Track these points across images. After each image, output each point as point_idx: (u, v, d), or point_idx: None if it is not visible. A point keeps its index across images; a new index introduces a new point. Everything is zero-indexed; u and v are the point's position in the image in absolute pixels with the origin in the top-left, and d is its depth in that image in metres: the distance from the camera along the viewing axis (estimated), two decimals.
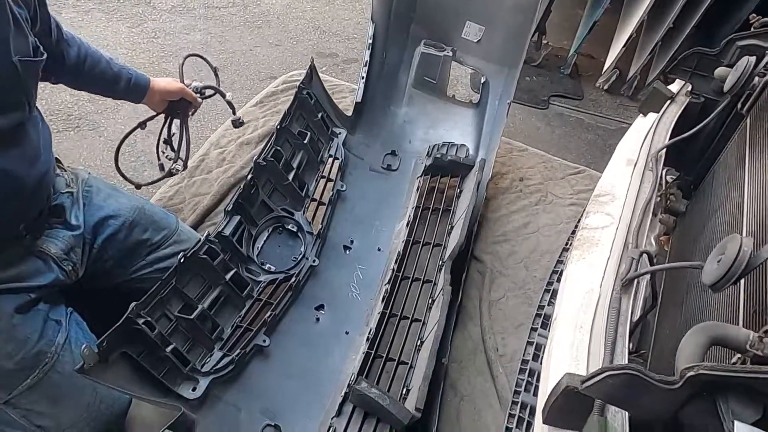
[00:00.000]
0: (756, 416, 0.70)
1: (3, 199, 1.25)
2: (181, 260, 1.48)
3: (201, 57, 1.91)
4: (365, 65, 2.30)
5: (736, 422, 0.68)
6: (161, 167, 1.90)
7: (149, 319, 1.35)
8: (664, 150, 1.39)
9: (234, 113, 1.96)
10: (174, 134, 1.89)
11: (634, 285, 1.07)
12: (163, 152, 1.91)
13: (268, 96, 2.64)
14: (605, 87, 3.07)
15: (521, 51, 2.23)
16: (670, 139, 1.43)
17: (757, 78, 1.35)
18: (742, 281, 1.01)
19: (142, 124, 1.86)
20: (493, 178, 2.41)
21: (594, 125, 2.83)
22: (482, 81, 2.36)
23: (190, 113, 1.88)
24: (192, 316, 1.47)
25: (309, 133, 2.05)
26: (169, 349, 1.38)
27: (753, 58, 1.34)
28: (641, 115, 1.65)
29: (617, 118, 2.83)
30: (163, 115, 1.85)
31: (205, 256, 1.56)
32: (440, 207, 2.01)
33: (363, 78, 2.30)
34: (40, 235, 1.40)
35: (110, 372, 1.27)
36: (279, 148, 1.90)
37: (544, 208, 2.29)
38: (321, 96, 2.17)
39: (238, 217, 1.74)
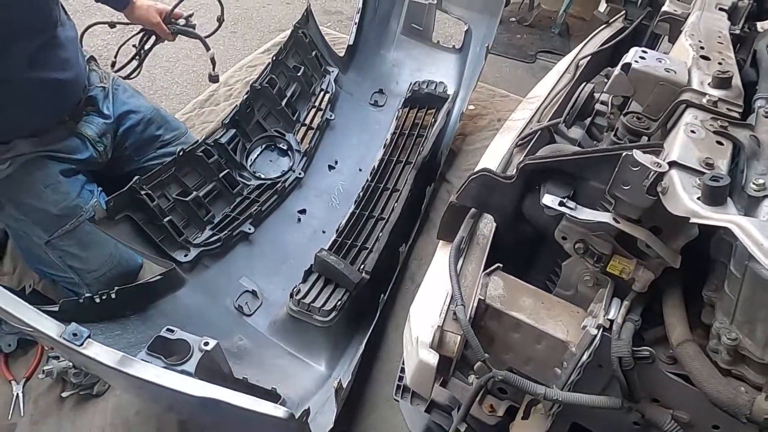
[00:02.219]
0: (565, 194, 0.93)
1: (49, 99, 1.61)
2: (180, 153, 1.77)
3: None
4: (358, 12, 2.55)
5: (545, 195, 0.91)
6: (112, 65, 2.05)
7: (150, 192, 1.65)
8: (586, 59, 1.61)
9: (213, 69, 2.08)
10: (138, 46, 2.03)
11: (528, 148, 1.29)
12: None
13: (275, 45, 2.91)
14: None
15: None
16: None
17: None
18: None
19: (112, 24, 2.00)
20: (473, 118, 2.64)
21: None
22: (465, 29, 2.58)
23: (161, 41, 2.03)
24: (187, 199, 1.76)
25: (303, 68, 2.31)
26: (166, 220, 1.67)
27: None
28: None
29: None
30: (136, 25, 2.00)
31: (201, 155, 1.84)
32: (415, 133, 2.25)
33: (356, 23, 2.55)
34: (80, 120, 1.73)
35: (117, 228, 1.57)
36: (274, 76, 2.17)
37: None
38: (316, 36, 2.43)
39: (234, 130, 2.02)
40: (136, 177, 1.61)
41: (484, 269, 1.02)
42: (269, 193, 2.00)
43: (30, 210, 1.62)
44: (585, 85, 1.19)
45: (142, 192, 1.62)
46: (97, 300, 1.35)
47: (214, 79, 2.16)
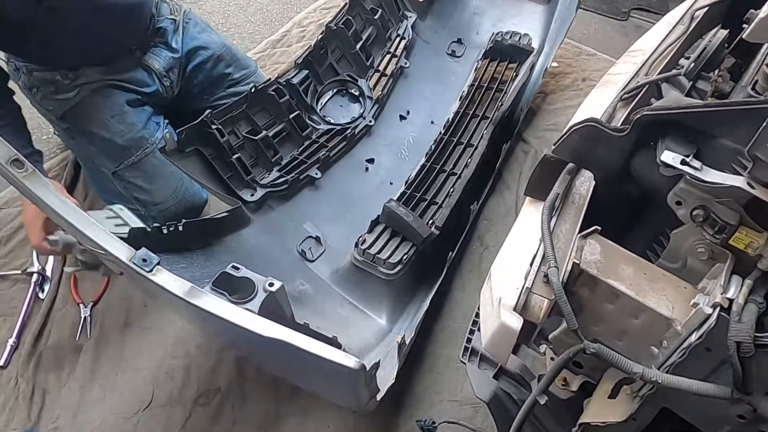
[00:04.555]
0: (688, 152, 0.81)
1: (114, 25, 1.58)
2: (252, 90, 1.72)
3: None
4: None
5: (665, 151, 0.80)
6: None
7: (221, 128, 1.61)
8: (703, 11, 1.43)
9: None
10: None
11: (634, 102, 1.16)
12: None
13: None
14: None
15: None
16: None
17: None
18: None
19: None
20: (556, 76, 2.46)
21: None
22: None
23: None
24: (256, 138, 1.72)
25: (380, 11, 2.21)
26: (234, 157, 1.64)
27: None
28: None
29: None
30: None
31: (273, 93, 1.79)
32: (494, 87, 2.12)
33: None
34: (147, 51, 1.70)
35: (186, 161, 1.55)
36: (350, 17, 2.08)
37: None
38: None
39: (306, 71, 1.95)
40: (208, 111, 1.57)
41: (580, 231, 0.92)
42: (338, 139, 1.94)
43: (97, 139, 1.62)
44: (717, 31, 1.04)
45: (213, 126, 1.59)
46: (165, 231, 1.33)
47: None
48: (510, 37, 2.22)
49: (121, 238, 1.23)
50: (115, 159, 1.62)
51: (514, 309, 0.88)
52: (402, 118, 2.15)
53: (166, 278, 0.82)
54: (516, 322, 0.87)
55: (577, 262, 0.87)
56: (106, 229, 0.84)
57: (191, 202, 1.73)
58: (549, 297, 0.85)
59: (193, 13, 1.91)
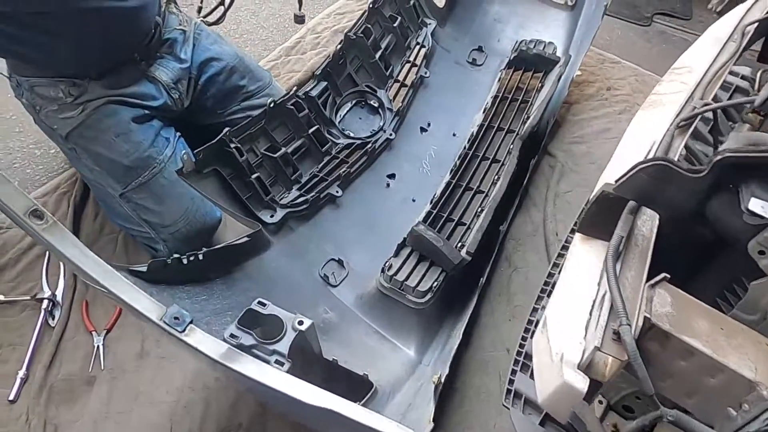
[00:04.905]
0: None
1: (105, 30, 1.46)
2: (271, 105, 1.64)
3: None
4: None
5: (752, 198, 0.72)
6: (198, 10, 1.96)
7: (239, 146, 1.53)
8: (755, 26, 1.35)
9: (300, 8, 1.97)
10: None
11: (690, 130, 1.08)
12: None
13: None
14: (718, 9, 2.86)
15: None
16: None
17: None
18: None
19: None
20: (580, 85, 2.39)
21: None
22: None
23: None
24: (276, 155, 1.64)
25: (399, 18, 2.12)
26: (253, 176, 1.56)
27: None
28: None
29: None
30: None
31: (291, 107, 1.71)
32: (519, 98, 2.04)
33: None
34: (152, 62, 1.61)
35: (204, 183, 1.47)
36: (369, 26, 1.99)
37: (628, 118, 2.23)
38: None
39: (325, 83, 1.87)
40: (227, 129, 1.49)
41: (647, 279, 0.85)
42: (358, 154, 1.86)
43: (102, 160, 1.53)
44: None
45: (232, 145, 1.51)
46: (185, 261, 1.25)
47: (299, 20, 2.02)
48: (534, 46, 2.13)
49: (140, 271, 1.17)
50: (122, 180, 1.54)
51: (578, 367, 0.81)
52: (423, 130, 2.07)
53: (200, 338, 0.75)
54: (582, 383, 0.79)
55: (648, 316, 0.79)
56: (134, 285, 0.76)
57: (204, 222, 1.64)
58: (620, 357, 0.78)
59: (205, 26, 1.82)
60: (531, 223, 1.88)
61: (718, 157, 0.76)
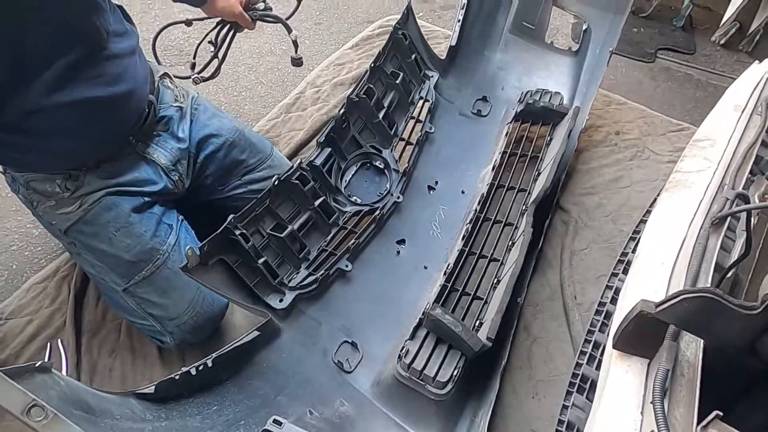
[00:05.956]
0: None
1: (95, 119, 1.39)
2: (275, 182, 1.58)
3: None
4: (462, 8, 2.26)
5: None
6: (192, 66, 1.92)
7: (245, 231, 1.47)
8: None
9: (296, 51, 1.91)
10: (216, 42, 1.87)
11: (725, 226, 1.03)
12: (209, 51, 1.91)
13: (363, 39, 2.68)
14: (722, 42, 2.82)
15: None
16: None
17: None
18: None
19: (189, 22, 1.85)
20: (587, 130, 2.33)
21: (704, 82, 2.63)
22: (584, 28, 2.26)
23: (241, 31, 1.87)
24: (282, 235, 1.58)
25: (401, 74, 2.07)
26: (260, 261, 1.50)
27: None
28: (756, 62, 1.54)
29: (732, 75, 2.61)
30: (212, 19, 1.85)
31: (296, 182, 1.65)
32: (528, 153, 1.98)
33: (459, 21, 2.27)
34: (149, 143, 1.55)
35: (209, 275, 1.40)
36: (371, 86, 1.94)
37: (639, 164, 2.20)
38: (416, 37, 2.18)
39: (329, 149, 1.82)
40: (231, 216, 1.43)
41: (698, 418, 0.78)
42: (367, 221, 1.81)
43: (103, 256, 1.47)
44: None
45: (237, 232, 1.45)
46: (193, 372, 1.19)
47: (297, 62, 1.96)
48: (540, 98, 2.08)
49: (148, 393, 1.11)
50: (125, 275, 1.47)
51: None
52: (430, 188, 2.01)
53: None
54: None
55: None
56: None
57: (210, 311, 1.57)
58: None
59: (201, 98, 1.77)
60: (548, 286, 1.82)
61: None
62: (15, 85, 1.21)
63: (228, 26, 1.86)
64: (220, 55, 1.91)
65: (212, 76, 1.94)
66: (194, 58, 1.93)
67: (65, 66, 1.25)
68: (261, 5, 1.84)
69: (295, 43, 1.89)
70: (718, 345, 0.82)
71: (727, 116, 1.34)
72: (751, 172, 1.36)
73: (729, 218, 1.03)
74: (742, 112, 1.32)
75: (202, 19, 1.86)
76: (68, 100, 1.28)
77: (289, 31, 1.85)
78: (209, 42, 1.88)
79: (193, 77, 1.91)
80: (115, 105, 1.42)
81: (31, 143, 1.31)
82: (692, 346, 0.87)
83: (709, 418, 0.78)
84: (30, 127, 1.27)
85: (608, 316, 1.42)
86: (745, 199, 1.07)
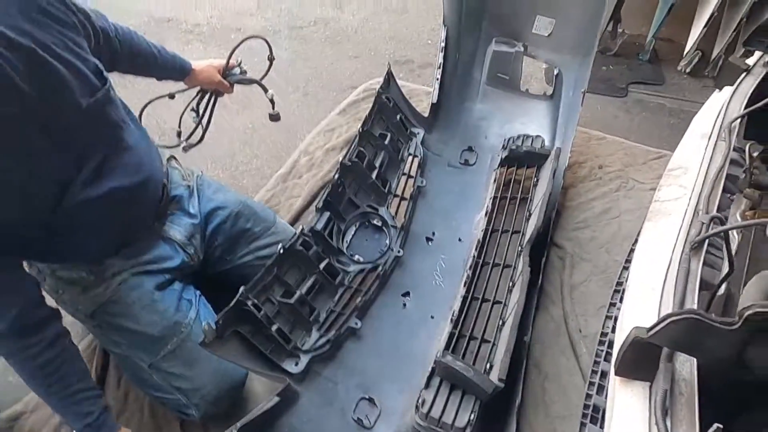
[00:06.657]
0: None
1: (123, 208, 1.48)
2: (281, 251, 1.66)
3: (264, 39, 1.93)
4: (439, 67, 2.41)
5: None
6: (178, 135, 2.01)
7: (256, 301, 1.54)
8: (739, 121, 1.40)
9: (273, 108, 2.01)
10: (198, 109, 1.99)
11: (704, 249, 1.10)
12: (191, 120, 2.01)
13: (350, 104, 2.83)
14: (687, 70, 2.98)
15: (594, 39, 2.23)
16: (744, 109, 1.43)
17: None
18: None
19: (172, 95, 1.92)
20: (572, 167, 2.44)
21: (677, 109, 2.76)
22: (555, 73, 2.40)
23: (221, 95, 1.99)
24: (292, 301, 1.64)
25: (389, 134, 2.19)
26: (274, 328, 1.55)
27: None
28: (717, 90, 1.65)
29: (701, 101, 2.72)
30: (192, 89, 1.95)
31: (301, 248, 1.73)
32: (518, 196, 2.08)
33: (437, 79, 2.41)
34: (165, 221, 1.65)
35: (226, 347, 1.46)
36: (362, 149, 2.05)
37: (625, 194, 2.29)
38: (398, 99, 2.31)
39: (328, 213, 1.90)
40: (242, 288, 1.50)
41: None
42: (371, 278, 1.87)
43: (130, 334, 1.53)
44: None
45: (249, 303, 1.51)
46: None
47: (274, 118, 2.07)
48: (523, 143, 2.19)
49: None
50: (152, 351, 1.54)
51: None
52: (428, 240, 2.09)
53: None
54: None
55: None
56: None
57: (231, 379, 1.62)
58: None
59: (204, 176, 1.88)
60: (552, 321, 1.87)
61: (749, 312, 0.77)
62: (60, 199, 1.28)
63: (209, 93, 1.99)
64: (204, 121, 2.03)
65: (199, 141, 2.07)
66: (179, 127, 2.03)
67: (95, 165, 1.33)
68: (237, 70, 1.97)
69: (272, 101, 2.01)
70: (710, 361, 0.88)
71: (696, 144, 1.43)
72: (730, 192, 1.45)
73: (707, 241, 1.10)
74: (708, 139, 1.42)
75: (183, 91, 1.95)
76: (98, 193, 1.35)
77: (266, 90, 1.98)
78: (192, 110, 1.99)
79: (182, 145, 2.02)
80: (138, 192, 1.51)
81: (55, 242, 1.39)
82: (687, 366, 0.93)
83: (711, 430, 0.83)
84: (55, 226, 1.34)
85: (611, 345, 1.48)
86: (720, 221, 1.15)
